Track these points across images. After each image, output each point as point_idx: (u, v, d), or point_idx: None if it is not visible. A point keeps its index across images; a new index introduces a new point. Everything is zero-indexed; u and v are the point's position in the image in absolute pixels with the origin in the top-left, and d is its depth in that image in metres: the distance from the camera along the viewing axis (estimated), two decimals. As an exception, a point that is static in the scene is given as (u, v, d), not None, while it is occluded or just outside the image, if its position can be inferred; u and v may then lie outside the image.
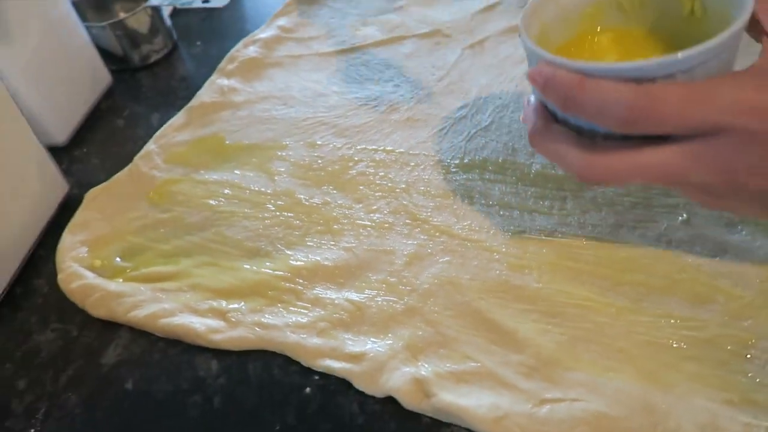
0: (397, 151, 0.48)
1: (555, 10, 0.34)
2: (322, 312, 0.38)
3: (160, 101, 0.60)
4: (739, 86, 0.25)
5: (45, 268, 0.45)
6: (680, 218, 0.39)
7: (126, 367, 0.38)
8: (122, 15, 0.61)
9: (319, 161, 0.49)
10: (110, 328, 0.40)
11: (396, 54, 0.58)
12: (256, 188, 0.47)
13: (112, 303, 0.40)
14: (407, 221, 0.43)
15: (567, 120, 0.31)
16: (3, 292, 0.43)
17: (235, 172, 0.49)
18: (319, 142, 0.50)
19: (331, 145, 0.50)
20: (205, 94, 0.57)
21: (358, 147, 0.49)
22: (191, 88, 0.59)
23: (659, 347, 0.34)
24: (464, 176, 0.45)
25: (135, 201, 0.48)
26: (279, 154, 0.50)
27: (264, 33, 0.64)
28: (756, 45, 0.29)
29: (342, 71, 0.58)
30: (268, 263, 0.42)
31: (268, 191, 0.47)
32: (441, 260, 0.40)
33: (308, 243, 0.43)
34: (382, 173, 0.47)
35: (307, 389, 0.36)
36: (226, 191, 0.47)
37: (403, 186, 0.45)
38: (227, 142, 0.52)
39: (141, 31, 0.62)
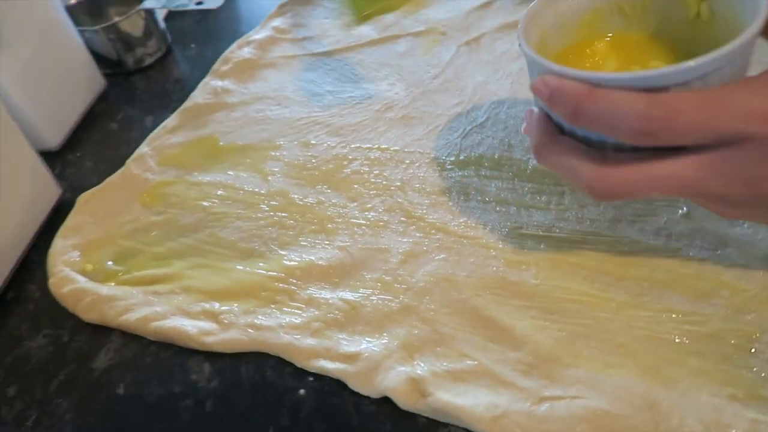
0: (391, 149, 0.48)
1: (553, 17, 0.33)
2: (316, 312, 0.38)
3: (155, 104, 0.59)
4: (754, 93, 0.24)
5: (37, 273, 0.44)
6: (680, 212, 0.38)
7: (118, 371, 0.38)
8: (116, 18, 0.61)
9: (313, 160, 0.48)
10: (102, 332, 0.40)
11: (390, 53, 0.58)
12: (250, 189, 0.47)
13: (103, 307, 0.40)
14: (402, 219, 0.42)
15: (574, 132, 0.29)
16: (-6, 298, 0.43)
17: (229, 173, 0.48)
18: (313, 142, 0.50)
19: (326, 144, 0.49)
20: (198, 96, 0.57)
21: (353, 146, 0.49)
22: (186, 90, 0.59)
23: (661, 342, 0.33)
24: (460, 173, 0.44)
25: (127, 204, 0.48)
26: (273, 154, 0.49)
27: (258, 34, 0.63)
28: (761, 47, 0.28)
29: (337, 70, 0.57)
30: (261, 264, 0.41)
31: (262, 191, 0.46)
32: (437, 258, 0.39)
33: (302, 243, 0.42)
34: (377, 171, 0.46)
35: (301, 391, 0.35)
36: (220, 192, 0.47)
37: (398, 184, 0.45)
38: (221, 144, 0.52)
39: (135, 34, 0.62)
